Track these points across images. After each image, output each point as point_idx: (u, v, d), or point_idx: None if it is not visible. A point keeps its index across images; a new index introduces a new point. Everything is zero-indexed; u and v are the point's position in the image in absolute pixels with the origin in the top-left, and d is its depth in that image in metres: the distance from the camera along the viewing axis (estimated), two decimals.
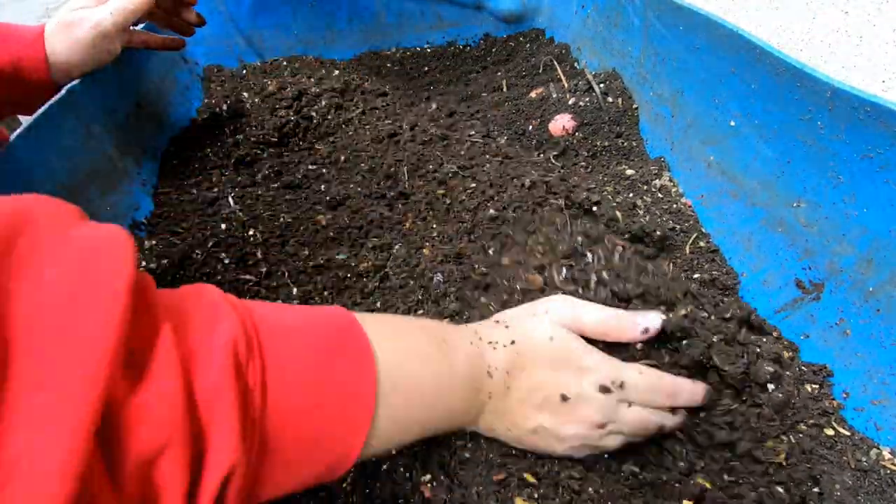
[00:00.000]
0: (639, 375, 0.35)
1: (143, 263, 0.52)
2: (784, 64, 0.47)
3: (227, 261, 0.55)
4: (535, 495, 0.39)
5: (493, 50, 0.97)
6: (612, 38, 0.75)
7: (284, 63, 0.88)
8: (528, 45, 0.95)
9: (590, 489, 0.41)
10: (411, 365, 0.31)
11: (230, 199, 0.63)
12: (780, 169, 0.51)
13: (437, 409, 0.33)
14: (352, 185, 0.65)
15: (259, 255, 0.56)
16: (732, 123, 0.55)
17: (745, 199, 0.55)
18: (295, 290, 0.55)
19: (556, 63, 0.80)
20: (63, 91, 0.55)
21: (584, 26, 0.83)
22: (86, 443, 0.17)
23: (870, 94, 0.41)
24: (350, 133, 0.75)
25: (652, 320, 0.36)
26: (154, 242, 0.56)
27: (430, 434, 0.34)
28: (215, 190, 0.65)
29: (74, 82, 0.57)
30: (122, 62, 0.61)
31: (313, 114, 0.76)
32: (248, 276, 0.56)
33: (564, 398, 0.34)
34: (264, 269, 0.54)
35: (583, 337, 0.36)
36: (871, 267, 0.43)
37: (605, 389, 0.35)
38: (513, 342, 0.35)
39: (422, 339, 0.33)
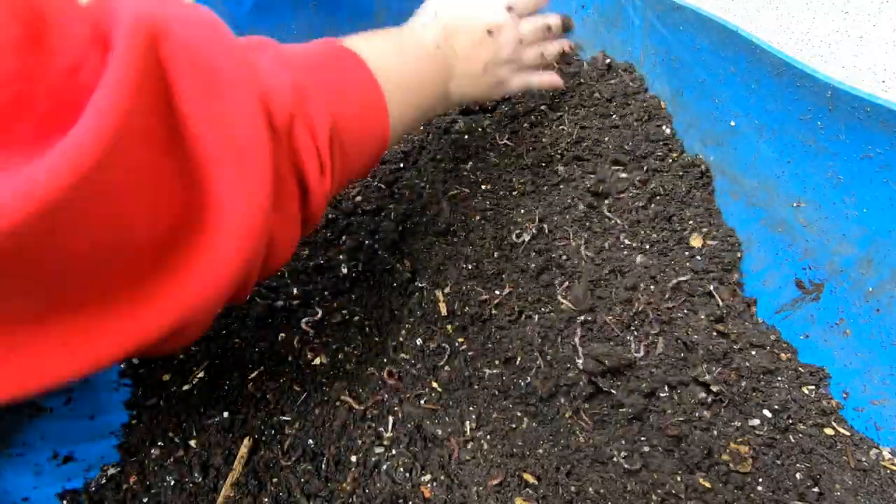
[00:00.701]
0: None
1: None
2: (784, 64, 0.47)
3: None
4: (535, 495, 0.39)
5: None
6: (612, 38, 0.75)
7: None
8: None
9: (590, 489, 0.41)
10: (393, 65, 0.41)
11: None
12: (780, 169, 0.51)
13: (421, 88, 0.44)
14: (351, 185, 0.65)
15: None
16: (732, 123, 0.55)
17: (745, 199, 0.55)
18: (295, 289, 0.55)
19: (555, 64, 0.80)
20: None
21: (584, 26, 0.83)
22: (264, 112, 0.27)
23: (870, 94, 0.41)
24: None
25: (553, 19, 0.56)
26: None
27: (428, 114, 0.47)
28: None
29: None
30: None
31: None
32: None
33: (490, 32, 0.48)
34: None
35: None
36: (871, 267, 0.43)
37: (509, 8, 0.50)
38: (436, 13, 0.48)
39: (389, 46, 0.43)
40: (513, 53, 0.50)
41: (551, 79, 0.58)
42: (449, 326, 0.50)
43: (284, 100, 0.29)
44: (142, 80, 0.21)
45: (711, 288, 0.50)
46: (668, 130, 0.63)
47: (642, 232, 0.56)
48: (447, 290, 0.52)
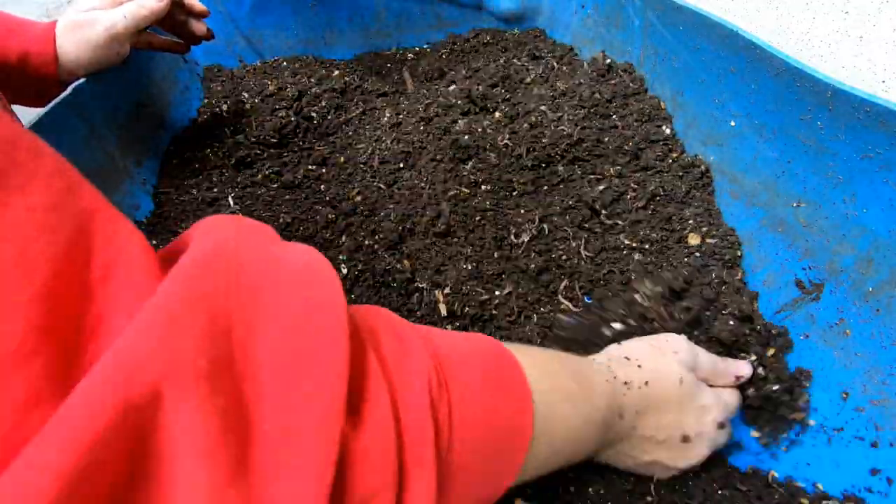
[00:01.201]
0: (732, 396, 0.41)
1: None
2: (784, 64, 0.47)
3: None
4: (535, 495, 0.39)
5: None
6: (612, 38, 0.75)
7: (284, 63, 0.88)
8: None
9: (590, 489, 0.41)
10: (562, 406, 0.30)
11: (230, 199, 0.63)
12: (780, 169, 0.51)
13: (578, 445, 0.33)
14: (351, 186, 0.65)
15: None
16: (732, 123, 0.55)
17: (745, 199, 0.55)
18: None
19: (556, 64, 0.80)
20: (69, 90, 0.55)
21: (584, 26, 0.83)
22: (327, 490, 0.17)
23: (870, 94, 0.41)
24: (350, 133, 0.75)
25: (743, 369, 0.42)
26: (155, 242, 0.57)
27: (557, 467, 0.33)
28: (215, 190, 0.65)
29: (81, 81, 0.57)
30: (124, 61, 0.61)
31: (313, 114, 0.76)
32: None
33: (686, 439, 0.37)
34: None
35: None
36: (871, 267, 0.43)
37: (721, 426, 0.39)
38: (646, 383, 0.36)
39: (564, 375, 0.32)
40: (694, 466, 0.39)
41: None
42: (449, 327, 0.50)
43: (377, 468, 0.20)
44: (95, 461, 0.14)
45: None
46: (668, 131, 0.63)
47: (641, 232, 0.56)
48: (447, 290, 0.52)
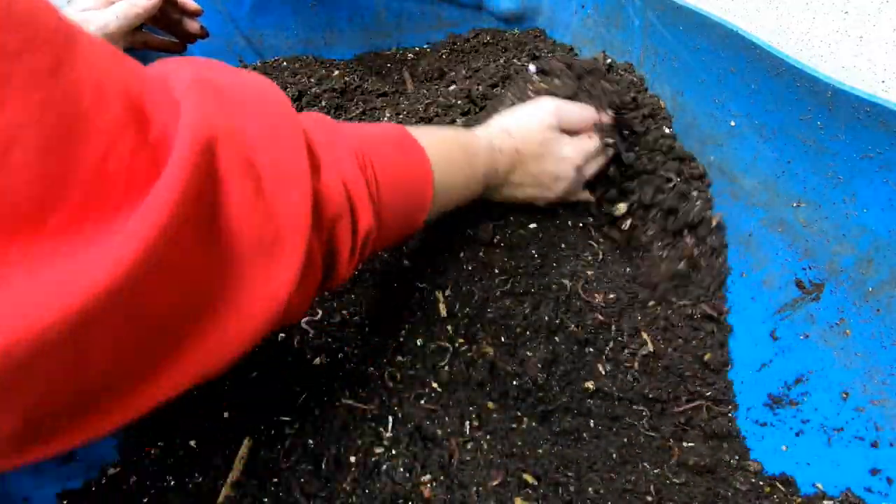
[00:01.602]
0: (590, 142, 0.52)
1: None
2: (784, 64, 0.47)
3: None
4: (535, 495, 0.39)
5: None
6: (612, 38, 0.75)
7: (284, 63, 0.88)
8: None
9: (589, 489, 0.41)
10: (450, 167, 0.43)
11: None
12: (780, 169, 0.51)
13: (464, 193, 0.47)
14: None
15: None
16: (732, 123, 0.55)
17: (745, 199, 0.55)
18: None
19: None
20: None
21: (584, 26, 0.83)
22: (310, 201, 0.28)
23: (870, 94, 0.41)
24: None
25: (603, 117, 0.53)
26: None
27: (457, 206, 0.47)
28: None
29: None
30: None
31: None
32: None
33: (547, 182, 0.51)
34: None
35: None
36: (871, 267, 0.43)
37: (577, 169, 0.51)
38: (516, 149, 0.49)
39: (455, 148, 0.44)
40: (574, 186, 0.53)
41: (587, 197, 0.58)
42: (449, 327, 0.50)
43: (335, 199, 0.31)
44: (196, 188, 0.22)
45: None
46: (667, 131, 0.63)
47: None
48: (447, 291, 0.52)
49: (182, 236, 0.22)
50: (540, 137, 0.49)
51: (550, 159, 0.50)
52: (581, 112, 0.51)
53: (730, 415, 0.50)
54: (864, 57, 0.52)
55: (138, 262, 0.20)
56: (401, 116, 0.73)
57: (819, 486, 0.43)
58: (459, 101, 0.71)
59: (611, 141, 0.53)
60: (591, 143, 0.52)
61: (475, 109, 0.71)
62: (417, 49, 0.98)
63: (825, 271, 0.47)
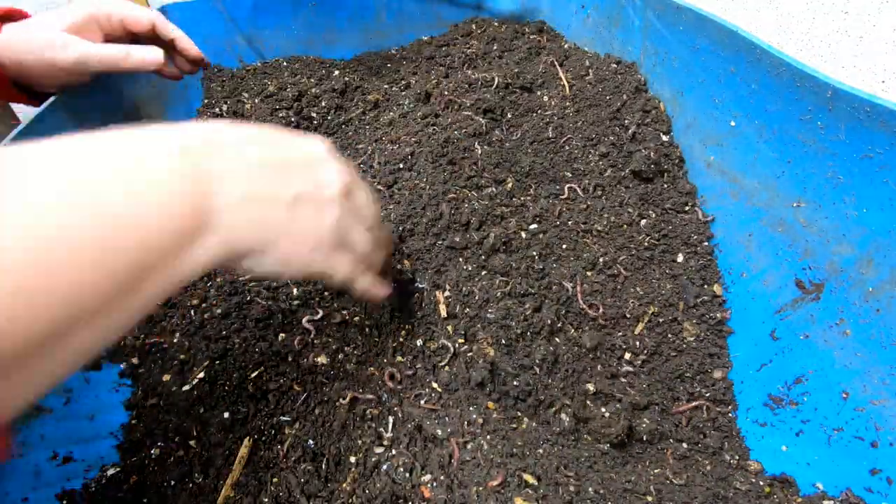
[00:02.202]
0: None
1: None
2: (784, 64, 0.47)
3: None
4: (535, 495, 0.39)
5: None
6: (612, 38, 0.75)
7: (284, 63, 0.88)
8: None
9: (590, 489, 0.41)
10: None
11: None
12: (780, 169, 0.51)
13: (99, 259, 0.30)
14: None
15: None
16: (732, 123, 0.55)
17: (745, 199, 0.55)
18: (295, 290, 0.55)
19: (557, 65, 0.80)
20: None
21: (584, 26, 0.83)
22: None
23: (870, 94, 0.41)
24: (350, 134, 0.75)
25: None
26: None
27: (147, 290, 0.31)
28: None
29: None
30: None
31: (313, 114, 0.76)
32: (248, 277, 0.56)
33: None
34: None
35: None
36: (871, 267, 0.43)
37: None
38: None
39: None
40: None
41: None
42: (449, 327, 0.50)
43: None
44: None
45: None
46: (665, 138, 0.63)
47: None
48: (447, 291, 0.52)
49: None
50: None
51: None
52: None
53: (730, 415, 0.50)
54: (864, 57, 0.52)
55: None
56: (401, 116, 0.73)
57: (819, 486, 0.43)
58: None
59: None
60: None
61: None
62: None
63: (825, 271, 0.47)
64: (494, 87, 0.72)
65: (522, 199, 0.61)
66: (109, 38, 0.58)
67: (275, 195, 0.32)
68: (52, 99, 0.54)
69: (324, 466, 0.42)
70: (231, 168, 0.30)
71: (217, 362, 0.49)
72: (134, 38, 0.59)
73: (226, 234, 0.30)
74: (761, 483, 0.44)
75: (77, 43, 0.53)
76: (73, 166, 0.25)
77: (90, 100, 0.59)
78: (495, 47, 0.86)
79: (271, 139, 0.33)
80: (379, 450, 0.43)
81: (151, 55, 0.56)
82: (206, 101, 0.82)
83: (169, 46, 0.61)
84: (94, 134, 0.27)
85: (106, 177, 0.25)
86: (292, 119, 0.74)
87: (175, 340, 0.51)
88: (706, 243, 0.58)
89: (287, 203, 0.32)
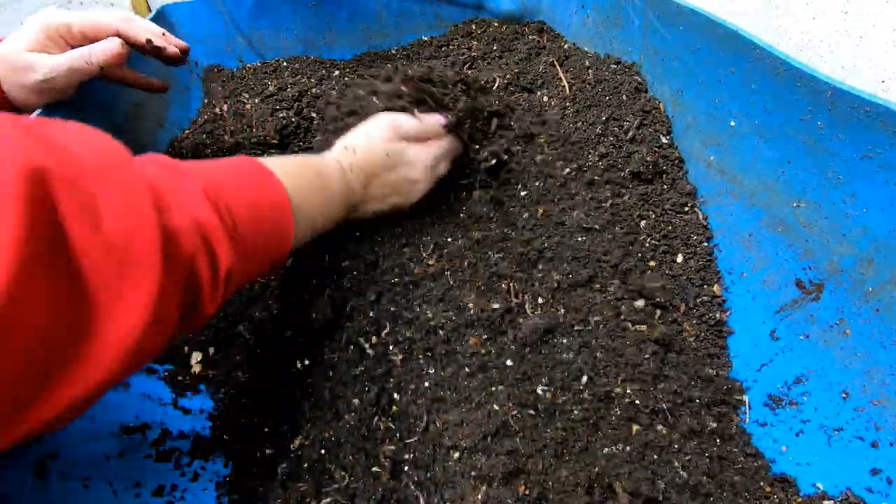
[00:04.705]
0: (439, 146, 0.53)
1: None
2: (784, 64, 0.47)
3: None
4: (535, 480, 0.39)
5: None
6: (612, 38, 0.75)
7: (284, 63, 0.88)
8: None
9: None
10: (308, 193, 0.44)
11: None
12: (780, 169, 0.51)
13: (327, 215, 0.47)
14: None
15: None
16: (732, 123, 0.55)
17: (745, 199, 0.55)
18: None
19: (556, 65, 0.80)
20: None
21: (584, 26, 0.83)
22: (159, 248, 0.28)
23: (870, 94, 0.41)
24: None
25: (440, 119, 0.53)
26: None
27: (326, 228, 0.48)
28: None
29: None
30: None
31: (314, 114, 0.76)
32: None
33: (403, 187, 0.52)
34: None
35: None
36: (871, 267, 0.43)
37: (429, 169, 0.53)
38: (363, 166, 0.49)
39: (308, 173, 0.45)
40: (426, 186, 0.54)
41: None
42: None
43: (188, 238, 0.31)
44: (33, 217, 0.23)
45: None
46: (664, 140, 0.63)
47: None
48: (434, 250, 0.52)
49: (36, 262, 0.23)
50: (382, 149, 0.50)
51: (402, 167, 0.51)
52: (416, 122, 0.52)
53: (730, 415, 0.50)
54: (864, 57, 0.52)
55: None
56: None
57: (819, 486, 0.43)
58: None
59: (454, 143, 0.55)
60: (435, 145, 0.53)
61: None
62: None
63: (825, 271, 0.47)
64: (495, 87, 0.72)
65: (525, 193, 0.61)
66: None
67: (386, 205, 0.53)
68: (51, 100, 0.54)
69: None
70: (368, 183, 0.50)
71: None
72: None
73: (369, 213, 0.52)
74: (761, 483, 0.44)
75: (41, 60, 0.51)
76: (309, 173, 0.45)
77: (89, 101, 0.59)
78: (495, 47, 0.86)
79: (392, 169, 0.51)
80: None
81: (109, 47, 0.52)
82: (205, 101, 0.82)
83: (147, 49, 0.57)
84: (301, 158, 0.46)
85: (319, 182, 0.46)
86: (292, 119, 0.74)
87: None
88: (706, 244, 0.59)
89: (402, 192, 0.53)
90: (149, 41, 0.56)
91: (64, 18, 0.53)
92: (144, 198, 0.29)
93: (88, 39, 0.54)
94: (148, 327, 0.27)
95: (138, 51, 0.56)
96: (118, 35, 0.54)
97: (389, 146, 0.50)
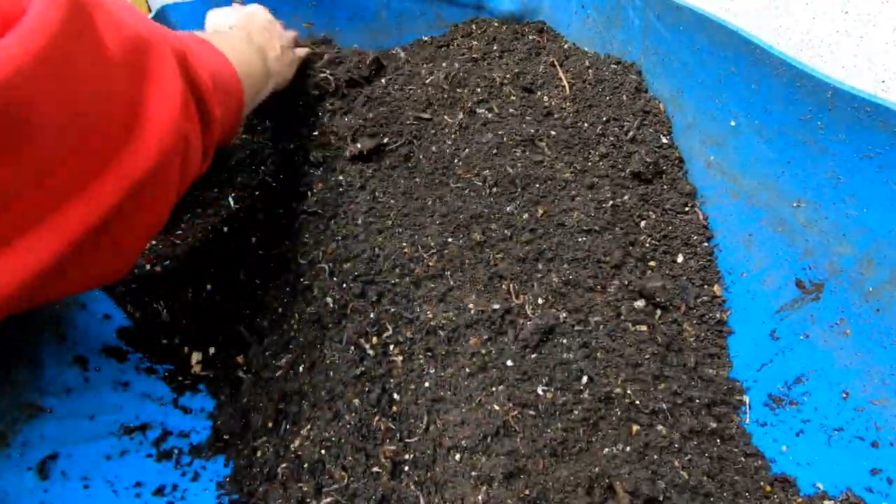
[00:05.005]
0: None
1: (144, 265, 0.52)
2: (784, 64, 0.47)
3: (227, 261, 0.55)
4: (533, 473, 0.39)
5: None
6: (612, 38, 0.75)
7: None
8: None
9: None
10: (246, 66, 0.50)
11: (230, 200, 0.63)
12: (780, 169, 0.51)
13: (261, 80, 0.55)
14: None
15: (260, 253, 0.56)
16: (732, 123, 0.55)
17: (745, 199, 0.55)
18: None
19: (557, 65, 0.80)
20: None
21: (585, 26, 0.83)
22: (172, 56, 0.35)
23: (870, 94, 0.41)
24: None
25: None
26: (154, 242, 0.56)
27: (263, 94, 0.56)
28: (215, 190, 0.65)
29: None
30: None
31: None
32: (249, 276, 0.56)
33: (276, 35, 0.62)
34: (265, 268, 0.54)
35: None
36: (871, 267, 0.43)
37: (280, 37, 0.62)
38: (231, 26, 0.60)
39: (241, 45, 0.53)
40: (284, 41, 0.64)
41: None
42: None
43: (180, 46, 0.37)
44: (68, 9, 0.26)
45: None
46: (664, 140, 0.63)
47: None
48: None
49: (77, 34, 0.26)
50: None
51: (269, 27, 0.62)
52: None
53: (730, 415, 0.50)
54: (864, 57, 0.52)
55: (48, 34, 0.24)
56: None
57: (819, 486, 0.43)
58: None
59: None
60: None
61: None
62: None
63: (825, 271, 0.47)
64: (495, 87, 0.72)
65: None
66: None
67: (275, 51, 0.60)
68: None
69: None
70: (263, 42, 0.59)
71: None
72: None
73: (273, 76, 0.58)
74: (761, 483, 0.44)
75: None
76: (234, 45, 0.51)
77: None
78: (495, 48, 0.86)
79: (258, 26, 0.61)
80: None
81: None
82: None
83: None
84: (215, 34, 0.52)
85: (244, 50, 0.53)
86: None
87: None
88: (706, 244, 0.59)
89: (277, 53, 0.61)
90: None
91: None
92: (164, 38, 0.35)
93: None
94: (182, 119, 0.33)
95: None
96: None
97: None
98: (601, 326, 0.50)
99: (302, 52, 0.69)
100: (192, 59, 0.38)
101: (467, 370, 0.47)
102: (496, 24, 0.92)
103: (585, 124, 0.66)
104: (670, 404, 0.47)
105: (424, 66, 0.80)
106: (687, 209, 0.61)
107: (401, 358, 0.49)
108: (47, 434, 0.43)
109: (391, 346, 0.49)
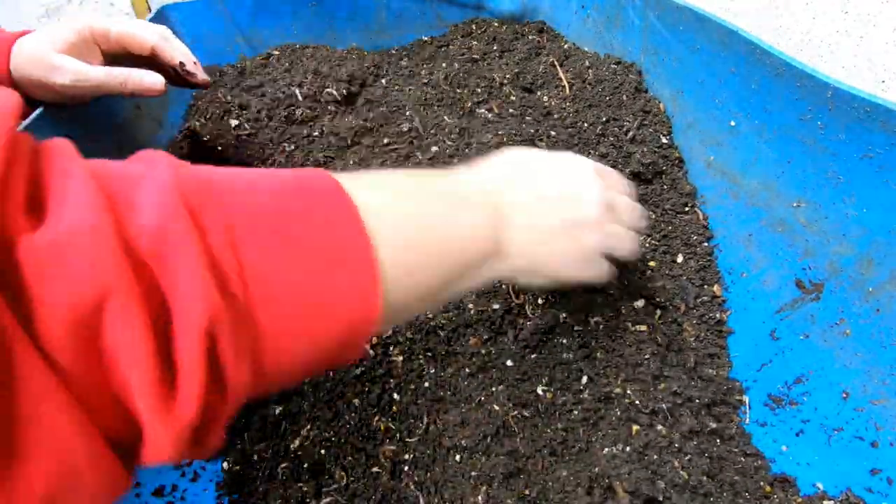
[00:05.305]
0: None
1: None
2: (784, 64, 0.47)
3: None
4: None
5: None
6: (612, 38, 0.75)
7: None
8: None
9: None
10: (401, 208, 0.29)
11: None
12: (780, 169, 0.51)
13: (448, 241, 0.31)
14: None
15: None
16: (732, 123, 0.55)
17: (745, 199, 0.55)
18: None
19: (557, 65, 0.80)
20: None
21: (585, 26, 0.83)
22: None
23: (870, 94, 0.41)
24: None
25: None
26: None
27: (459, 282, 0.32)
28: None
29: None
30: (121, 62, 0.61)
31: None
32: None
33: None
34: None
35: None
36: (871, 267, 0.43)
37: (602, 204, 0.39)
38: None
39: (432, 201, 0.31)
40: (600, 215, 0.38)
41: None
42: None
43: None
44: None
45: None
46: (664, 140, 0.63)
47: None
48: None
49: None
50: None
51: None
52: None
53: (730, 415, 0.50)
54: (864, 57, 0.52)
55: None
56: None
57: (819, 486, 0.43)
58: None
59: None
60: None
61: None
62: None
63: (825, 271, 0.47)
64: (495, 87, 0.72)
65: None
66: (109, 58, 0.55)
67: (547, 225, 0.36)
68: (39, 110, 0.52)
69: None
70: (521, 201, 0.35)
71: None
72: (137, 56, 0.56)
73: (511, 259, 0.34)
74: (761, 483, 0.44)
75: (71, 65, 0.50)
76: (416, 201, 0.30)
77: (91, 101, 0.58)
78: (495, 47, 0.86)
79: (549, 173, 0.37)
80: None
81: (150, 81, 0.52)
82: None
83: (170, 68, 0.57)
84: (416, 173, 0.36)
85: (440, 210, 0.31)
86: None
87: None
88: (706, 244, 0.59)
89: (553, 230, 0.36)
90: (181, 64, 0.56)
91: (104, 25, 0.53)
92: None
93: (124, 49, 0.54)
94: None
95: (164, 69, 0.56)
96: (153, 51, 0.54)
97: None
98: (601, 326, 0.50)
99: None
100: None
101: (467, 370, 0.47)
102: (496, 24, 0.92)
103: (585, 124, 0.66)
104: (670, 404, 0.47)
105: (424, 66, 0.80)
106: (687, 209, 0.61)
107: (401, 358, 0.49)
108: None
109: (391, 346, 0.49)
